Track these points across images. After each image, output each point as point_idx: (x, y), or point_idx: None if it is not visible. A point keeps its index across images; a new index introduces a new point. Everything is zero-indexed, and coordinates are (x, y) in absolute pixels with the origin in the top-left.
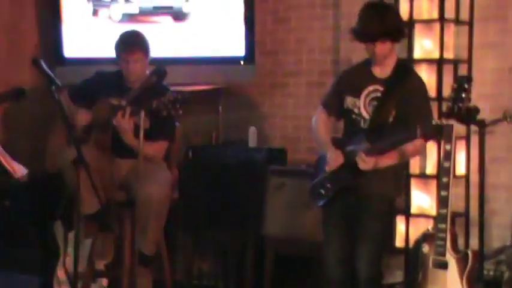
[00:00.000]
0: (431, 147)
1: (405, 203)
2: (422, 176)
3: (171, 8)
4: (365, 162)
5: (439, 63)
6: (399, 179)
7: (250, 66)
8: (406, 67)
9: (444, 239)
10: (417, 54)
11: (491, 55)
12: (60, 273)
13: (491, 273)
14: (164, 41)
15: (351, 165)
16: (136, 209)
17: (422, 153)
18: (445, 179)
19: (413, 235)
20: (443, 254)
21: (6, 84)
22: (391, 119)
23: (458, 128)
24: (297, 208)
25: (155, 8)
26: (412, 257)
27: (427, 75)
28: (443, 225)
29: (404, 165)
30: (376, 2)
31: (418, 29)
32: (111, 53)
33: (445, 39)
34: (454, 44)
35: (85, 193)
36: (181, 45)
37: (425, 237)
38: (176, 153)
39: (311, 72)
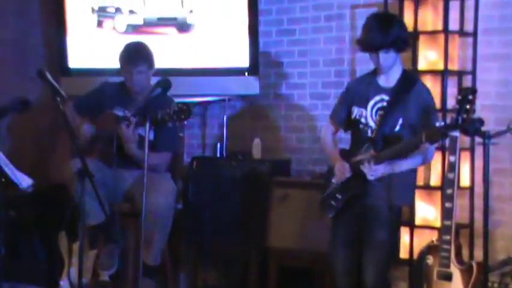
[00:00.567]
0: (436, 159)
1: (410, 214)
2: (427, 187)
3: (175, 19)
4: (371, 171)
5: (444, 74)
6: (408, 188)
7: (254, 77)
8: (411, 76)
9: (449, 251)
10: (421, 65)
11: (495, 67)
12: (65, 284)
13: (496, 285)
14: (168, 52)
15: (359, 175)
16: (141, 220)
17: (431, 159)
18: (449, 191)
19: (418, 246)
20: (448, 266)
21: (12, 96)
22: (397, 128)
23: (463, 140)
24: (301, 219)
25: (159, 19)
26: (417, 268)
27: (431, 86)
28: (447, 237)
29: (414, 174)
30: (381, 12)
31: (422, 40)
32: (116, 64)
33: (450, 50)
34: (458, 55)
35: (90, 204)
36: (186, 56)
37: (430, 249)
38: (181, 164)
39: (315, 84)
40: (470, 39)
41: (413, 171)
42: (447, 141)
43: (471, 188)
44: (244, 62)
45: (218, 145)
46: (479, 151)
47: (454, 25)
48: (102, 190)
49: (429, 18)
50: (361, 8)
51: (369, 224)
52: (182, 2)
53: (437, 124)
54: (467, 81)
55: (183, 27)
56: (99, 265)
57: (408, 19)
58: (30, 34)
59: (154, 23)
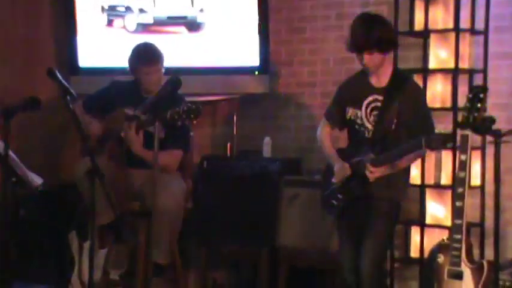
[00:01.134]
0: (447, 158)
1: (420, 213)
2: (437, 186)
3: (185, 18)
4: (373, 174)
5: (454, 73)
6: (405, 184)
7: (265, 76)
8: (403, 75)
9: (459, 250)
10: (432, 64)
11: (506, 65)
12: (75, 284)
13: (507, 283)
14: (178, 51)
15: (360, 176)
16: (151, 219)
17: (421, 157)
18: (460, 189)
19: (428, 245)
20: (459, 265)
21: (22, 95)
22: (393, 127)
23: (474, 138)
24: (311, 219)
25: (169, 18)
26: (427, 267)
27: (442, 85)
28: (458, 236)
29: (408, 170)
30: (367, 13)
31: (433, 39)
32: (126, 63)
33: (460, 49)
34: (469, 53)
35: (100, 203)
36: (196, 55)
37: (441, 248)
38: (190, 163)
39: (325, 83)
40: (481, 38)
41: (407, 169)
42: (458, 140)
43: (482, 187)
44: (254, 60)
45: (228, 144)
46: (490, 150)
47: (465, 23)
48: (112, 189)
49: (440, 17)
50: (371, 6)
51: (368, 216)
52: (192, 1)
53: (437, 131)
54: (478, 80)
55: (193, 26)
56: (109, 264)
57: (419, 17)
58: (40, 33)
59: (164, 22)
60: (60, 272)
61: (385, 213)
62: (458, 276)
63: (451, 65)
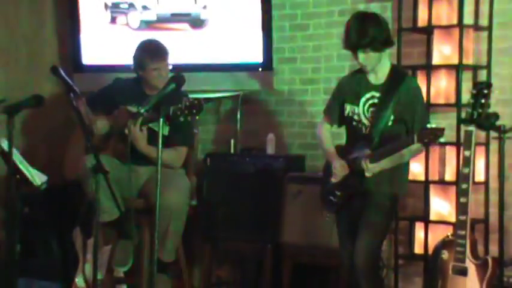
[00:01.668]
0: (451, 154)
1: (424, 209)
2: (442, 182)
3: (189, 15)
4: (369, 170)
5: (458, 69)
6: (403, 179)
7: (268, 73)
8: (400, 72)
9: (464, 246)
10: (436, 60)
11: (510, 61)
12: (79, 281)
13: None
14: (182, 48)
15: (357, 172)
16: (155, 216)
17: (420, 154)
18: (464, 186)
19: (432, 242)
20: (463, 261)
21: (26, 92)
22: (390, 123)
23: (478, 134)
24: (315, 215)
25: (173, 15)
26: (431, 263)
27: (446, 81)
28: (463, 232)
29: (406, 165)
30: (362, 12)
31: (437, 34)
32: (130, 60)
33: (464, 44)
34: (473, 49)
35: (104, 201)
36: (199, 52)
37: (445, 244)
38: (194, 160)
39: (329, 79)
40: (485, 33)
41: (405, 164)
42: (462, 136)
43: (486, 183)
44: (257, 57)
45: (232, 141)
46: (494, 146)
47: (468, 19)
48: (116, 187)
49: (444, 12)
50: (375, 2)
51: (365, 209)
52: None
53: (428, 125)
54: (482, 76)
55: (196, 23)
56: (113, 261)
57: (423, 13)
58: (44, 30)
59: (167, 19)
60: (64, 269)
61: (382, 206)
62: (463, 272)
63: (455, 61)
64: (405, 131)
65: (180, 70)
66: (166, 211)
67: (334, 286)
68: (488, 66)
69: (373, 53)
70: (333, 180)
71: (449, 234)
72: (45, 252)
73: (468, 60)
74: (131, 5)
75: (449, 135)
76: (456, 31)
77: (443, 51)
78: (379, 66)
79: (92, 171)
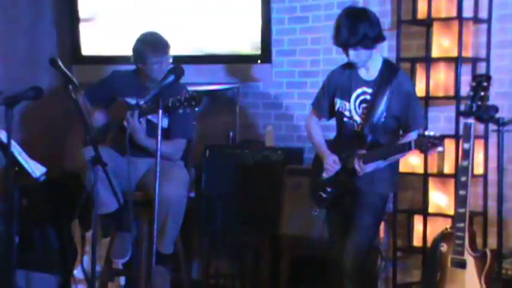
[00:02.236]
0: (450, 147)
1: (423, 202)
2: (440, 175)
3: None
4: (362, 170)
5: (458, 61)
6: (394, 176)
7: (267, 65)
8: (392, 67)
9: (463, 238)
10: (435, 52)
11: (509, 54)
12: (78, 273)
13: (510, 272)
14: (181, 40)
15: (349, 170)
16: (154, 208)
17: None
18: (463, 178)
19: (431, 234)
20: (462, 253)
21: (25, 84)
22: (382, 120)
23: (476, 127)
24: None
25: None
26: (430, 256)
27: (445, 73)
28: (461, 225)
29: (397, 162)
30: (352, 8)
31: (436, 27)
32: (129, 51)
33: (464, 37)
34: (472, 42)
35: (103, 193)
36: (198, 44)
37: (444, 237)
38: (193, 152)
39: (328, 72)
40: (484, 26)
41: (396, 162)
42: (461, 129)
43: (485, 176)
44: (256, 49)
45: (231, 133)
46: (493, 139)
47: (468, 12)
48: (115, 179)
49: (443, 5)
50: None
51: (355, 209)
52: None
53: (426, 133)
54: (481, 69)
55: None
56: (112, 253)
57: (422, 6)
58: (42, 22)
59: None
60: (63, 262)
61: (371, 205)
62: (462, 265)
63: (454, 54)
64: (398, 127)
65: (180, 62)
66: (165, 203)
67: (332, 278)
68: (487, 59)
69: (364, 50)
70: (325, 175)
71: (448, 226)
72: (44, 244)
73: (467, 52)
74: None
75: (448, 127)
76: (456, 24)
77: (442, 43)
78: (371, 62)
79: (91, 164)
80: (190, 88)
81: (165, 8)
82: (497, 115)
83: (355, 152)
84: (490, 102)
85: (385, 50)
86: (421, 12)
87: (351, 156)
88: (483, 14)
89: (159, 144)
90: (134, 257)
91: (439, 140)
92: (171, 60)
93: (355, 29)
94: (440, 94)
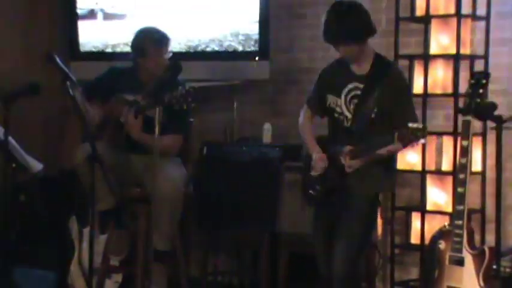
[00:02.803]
0: (448, 144)
1: (421, 199)
2: (438, 172)
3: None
4: (349, 166)
5: (456, 58)
6: (386, 175)
7: (265, 62)
8: (384, 62)
9: (461, 236)
10: (433, 49)
11: (507, 51)
12: (75, 269)
13: (508, 270)
14: (179, 36)
15: (337, 167)
16: (151, 205)
17: (398, 152)
18: (461, 175)
19: (429, 232)
20: (460, 251)
21: (22, 80)
22: (373, 115)
23: (475, 124)
24: None
25: None
26: (428, 253)
27: (443, 71)
28: (460, 222)
29: (392, 160)
30: (339, 2)
31: (434, 24)
32: (126, 48)
33: (462, 34)
34: (470, 39)
35: (100, 189)
36: (196, 40)
37: (442, 234)
38: (191, 149)
39: None
40: (482, 23)
41: (391, 158)
42: (460, 126)
43: (483, 173)
44: (254, 46)
45: (228, 130)
46: (491, 136)
47: (466, 9)
48: (112, 175)
49: (441, 2)
50: None
51: (344, 214)
52: None
53: (410, 124)
54: (479, 66)
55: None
56: (109, 250)
57: (420, 3)
58: (39, 18)
59: None
60: (61, 258)
61: (360, 211)
62: (460, 262)
63: (453, 51)
64: (390, 124)
65: (177, 58)
66: (161, 200)
67: (331, 276)
68: (485, 56)
69: (354, 45)
70: (313, 173)
71: (446, 224)
72: (41, 240)
73: (466, 50)
74: None
75: (446, 125)
76: (454, 21)
77: (440, 40)
78: (363, 56)
79: (88, 160)
80: (188, 84)
81: (163, 4)
82: (496, 112)
83: (342, 148)
84: (489, 99)
85: (383, 47)
86: (420, 9)
87: (338, 153)
88: (481, 11)
89: (156, 140)
90: (131, 254)
91: (422, 131)
92: (170, 55)
93: (344, 24)
94: (439, 91)
